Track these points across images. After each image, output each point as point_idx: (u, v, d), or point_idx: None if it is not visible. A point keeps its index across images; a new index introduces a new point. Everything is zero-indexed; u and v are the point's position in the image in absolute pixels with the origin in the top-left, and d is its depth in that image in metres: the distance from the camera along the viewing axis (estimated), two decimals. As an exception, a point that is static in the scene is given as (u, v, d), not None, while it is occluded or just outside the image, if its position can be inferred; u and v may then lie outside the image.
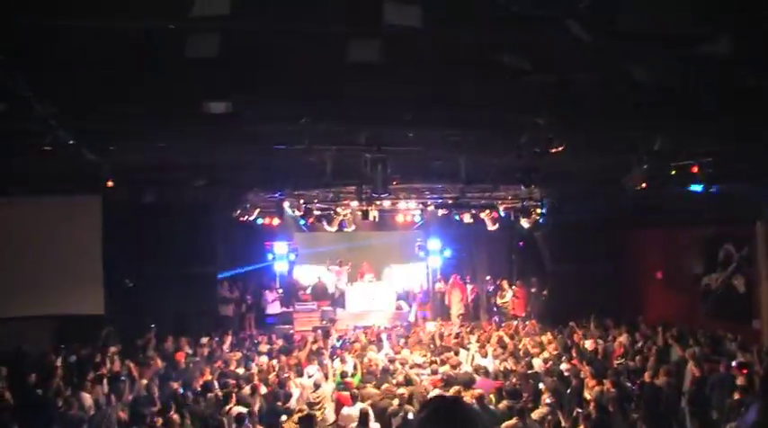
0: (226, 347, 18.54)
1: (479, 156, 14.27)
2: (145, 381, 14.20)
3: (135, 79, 8.28)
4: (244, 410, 12.09)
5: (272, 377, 15.08)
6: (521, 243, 25.24)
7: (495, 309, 25.45)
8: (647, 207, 18.65)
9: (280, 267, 27.25)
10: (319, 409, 13.51)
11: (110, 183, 14.25)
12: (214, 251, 22.17)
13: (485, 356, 16.58)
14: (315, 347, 17.89)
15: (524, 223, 20.81)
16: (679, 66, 8.57)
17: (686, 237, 20.43)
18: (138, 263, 19.60)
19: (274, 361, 16.70)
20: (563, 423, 11.54)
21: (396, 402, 12.59)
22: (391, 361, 16.19)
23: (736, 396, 11.95)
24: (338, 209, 21.53)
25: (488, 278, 26.77)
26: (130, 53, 7.56)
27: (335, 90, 9.09)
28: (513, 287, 24.91)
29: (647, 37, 7.52)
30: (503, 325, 22.27)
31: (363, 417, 11.72)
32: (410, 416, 11.62)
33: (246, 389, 13.90)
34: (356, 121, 10.84)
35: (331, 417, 13.52)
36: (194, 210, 20.34)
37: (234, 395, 13.07)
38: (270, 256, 27.29)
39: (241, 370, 15.73)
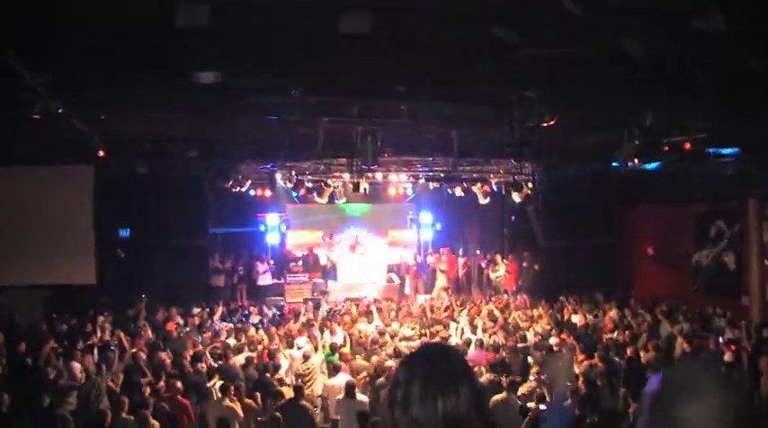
0: (216, 318, 18.55)
1: (472, 130, 14.26)
2: (134, 350, 14.21)
3: (126, 49, 8.24)
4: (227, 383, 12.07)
5: (261, 347, 15.11)
6: (512, 217, 25.25)
7: (485, 283, 25.49)
8: (638, 182, 18.69)
9: (271, 238, 27.22)
10: (309, 381, 13.55)
11: (101, 153, 14.21)
12: (205, 222, 22.15)
13: (474, 330, 16.62)
14: (305, 319, 17.92)
15: (516, 197, 20.81)
16: (671, 41, 8.57)
17: (678, 214, 20.48)
18: (130, 233, 19.58)
19: (262, 332, 16.71)
20: (548, 398, 11.57)
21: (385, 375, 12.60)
22: (381, 333, 16.21)
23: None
24: (329, 181, 21.48)
25: (478, 252, 26.79)
26: (122, 23, 7.52)
27: (327, 62, 9.07)
28: (505, 261, 24.92)
29: (639, 11, 7.52)
30: (493, 298, 22.30)
31: (350, 389, 11.75)
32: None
33: (240, 358, 13.95)
34: (348, 94, 10.82)
35: (319, 389, 13.56)
36: (186, 181, 20.31)
37: (217, 370, 13.09)
38: (262, 227, 27.23)
39: (232, 341, 15.74)
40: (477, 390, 2.35)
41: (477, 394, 2.34)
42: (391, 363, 13.07)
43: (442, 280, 25.47)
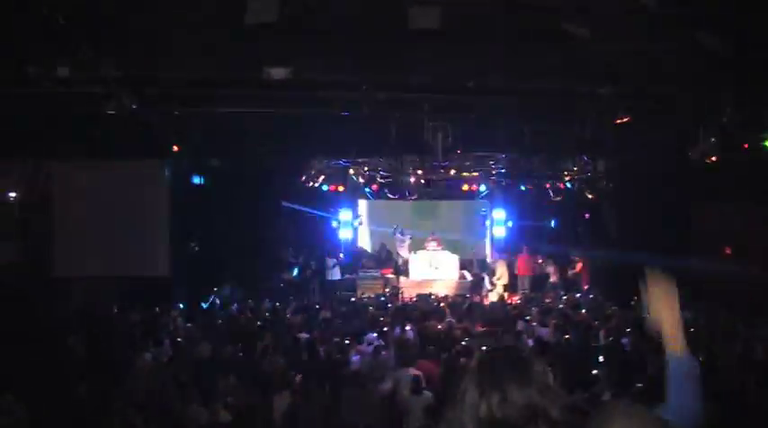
0: (289, 312, 18.70)
1: (544, 126, 14.12)
2: (207, 344, 14.41)
3: (196, 46, 8.35)
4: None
5: (334, 342, 15.17)
6: (586, 214, 24.89)
7: (558, 281, 25.19)
8: (715, 180, 18.24)
9: (344, 234, 27.35)
10: (378, 377, 13.53)
11: (175, 148, 14.43)
12: (278, 217, 22.36)
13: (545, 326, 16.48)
14: (376, 314, 17.94)
15: (589, 194, 20.57)
16: (748, 33, 8.34)
17: (758, 212, 19.89)
18: (204, 227, 19.84)
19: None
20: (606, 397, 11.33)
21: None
22: (451, 329, 16.14)
23: None
24: (401, 177, 21.46)
25: (540, 260, 26.35)
26: (193, 18, 7.62)
27: (397, 57, 9.06)
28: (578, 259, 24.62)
29: (717, 3, 7.33)
30: (564, 297, 22.03)
31: (416, 384, 11.72)
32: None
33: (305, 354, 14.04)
34: (418, 89, 10.80)
35: (389, 385, 13.52)
36: (260, 175, 20.50)
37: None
38: (335, 223, 27.35)
39: (303, 335, 15.82)
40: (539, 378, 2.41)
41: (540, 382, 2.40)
42: (462, 360, 12.99)
43: (505, 279, 25.31)
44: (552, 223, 26.47)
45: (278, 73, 8.78)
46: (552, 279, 25.28)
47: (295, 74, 8.86)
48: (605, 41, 8.37)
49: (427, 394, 11.61)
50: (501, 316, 18.65)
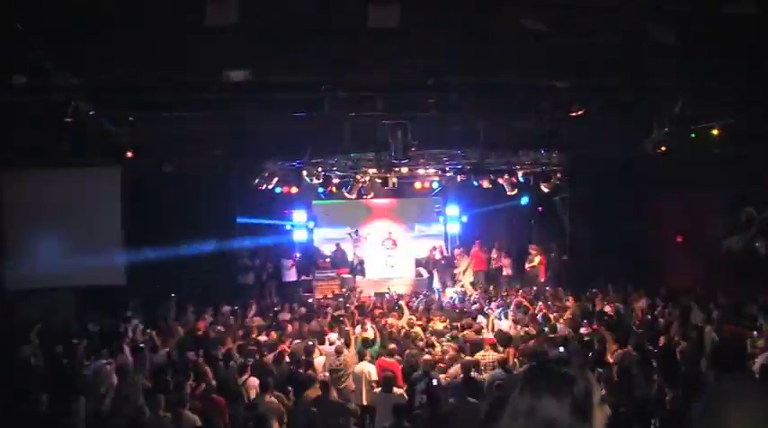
0: (249, 315, 18.63)
1: (499, 121, 14.21)
2: (167, 350, 14.30)
3: (154, 49, 8.27)
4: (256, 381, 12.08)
5: (296, 343, 15.15)
6: (540, 207, 25.10)
7: (515, 275, 25.36)
8: (666, 170, 18.52)
9: (299, 235, 27.25)
10: (342, 376, 13.55)
11: (129, 154, 14.26)
12: (233, 220, 22.23)
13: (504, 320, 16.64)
14: (335, 314, 17.94)
15: (544, 188, 20.75)
16: (701, 26, 8.48)
17: (706, 200, 20.22)
18: (159, 233, 19.62)
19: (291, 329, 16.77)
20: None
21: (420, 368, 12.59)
22: (411, 326, 16.21)
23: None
24: (357, 177, 21.43)
25: (495, 255, 26.47)
26: (150, 23, 7.55)
27: (355, 57, 9.06)
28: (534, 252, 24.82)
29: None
30: (521, 291, 22.21)
31: (386, 383, 11.76)
32: (434, 383, 11.61)
33: (269, 357, 13.97)
34: (376, 88, 10.80)
35: (353, 384, 13.54)
36: (213, 180, 20.35)
37: (249, 366, 13.09)
38: (288, 225, 27.21)
39: (263, 338, 15.78)
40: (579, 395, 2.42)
41: (579, 399, 2.41)
42: (427, 357, 13.07)
43: (470, 274, 25.45)
44: (507, 217, 26.61)
45: (237, 75, 8.74)
46: (506, 272, 25.48)
47: (254, 75, 8.82)
48: (561, 36, 8.44)
49: (397, 391, 11.66)
50: (460, 311, 18.79)
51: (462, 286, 24.71)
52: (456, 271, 25.79)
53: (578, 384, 2.40)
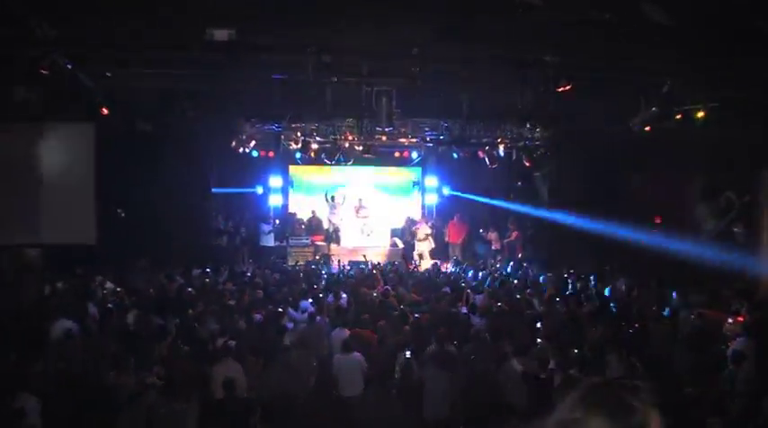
0: (221, 279, 18.41)
1: (484, 93, 14.03)
2: (137, 311, 14.07)
3: (136, 4, 8.00)
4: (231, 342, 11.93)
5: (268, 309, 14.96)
6: (519, 182, 24.98)
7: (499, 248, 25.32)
8: (648, 151, 18.42)
9: (273, 200, 26.98)
10: (314, 342, 13.39)
11: (104, 111, 13.94)
12: (208, 182, 21.97)
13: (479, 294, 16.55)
14: (309, 282, 17.78)
15: (526, 162, 20.66)
16: (691, 6, 8.32)
17: (685, 182, 20.18)
18: (131, 192, 19.31)
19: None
20: (551, 365, 11.38)
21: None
22: (385, 296, 16.05)
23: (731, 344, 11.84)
24: (338, 143, 21.15)
25: (481, 229, 26.42)
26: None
27: (341, 21, 8.84)
28: (511, 227, 24.78)
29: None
30: (498, 265, 22.16)
31: (347, 344, 11.69)
32: (407, 355, 11.46)
33: (241, 322, 13.80)
34: (359, 53, 10.59)
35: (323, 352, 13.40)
36: (189, 140, 20.02)
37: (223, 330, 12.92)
38: (259, 189, 26.84)
39: (233, 302, 15.57)
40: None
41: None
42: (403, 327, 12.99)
43: (445, 246, 25.42)
44: (486, 191, 26.42)
45: (221, 34, 8.48)
46: (495, 246, 25.42)
47: (238, 35, 8.57)
48: (551, 10, 8.25)
49: (357, 355, 11.54)
50: (434, 283, 18.68)
51: (420, 255, 24.56)
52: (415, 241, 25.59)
53: (637, 416, 2.24)
